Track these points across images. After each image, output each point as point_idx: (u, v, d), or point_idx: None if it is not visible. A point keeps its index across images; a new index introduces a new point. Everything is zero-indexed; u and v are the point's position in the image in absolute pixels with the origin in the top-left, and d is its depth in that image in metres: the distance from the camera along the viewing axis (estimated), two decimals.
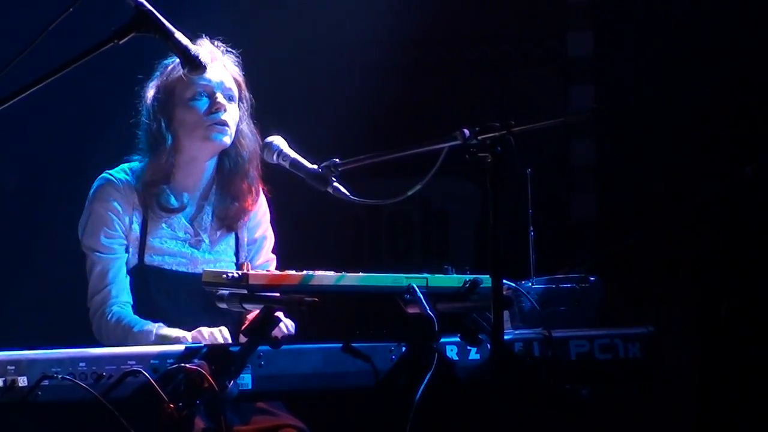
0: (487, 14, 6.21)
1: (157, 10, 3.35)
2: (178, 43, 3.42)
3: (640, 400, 5.08)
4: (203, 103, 4.10)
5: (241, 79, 4.19)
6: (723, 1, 5.84)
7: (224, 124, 4.09)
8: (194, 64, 3.46)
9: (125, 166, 4.16)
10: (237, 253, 4.22)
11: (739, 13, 5.80)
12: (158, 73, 4.15)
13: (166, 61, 4.13)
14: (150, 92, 4.15)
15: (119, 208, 4.08)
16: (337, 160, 3.87)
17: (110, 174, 4.14)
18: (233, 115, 4.13)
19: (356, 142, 4.81)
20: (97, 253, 4.07)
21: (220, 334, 3.87)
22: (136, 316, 4.02)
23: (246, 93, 4.21)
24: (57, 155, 5.64)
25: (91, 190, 4.13)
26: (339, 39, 6.03)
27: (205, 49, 4.07)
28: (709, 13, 5.83)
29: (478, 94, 6.15)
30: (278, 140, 4.02)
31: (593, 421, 3.88)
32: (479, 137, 3.56)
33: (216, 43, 4.18)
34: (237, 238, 4.22)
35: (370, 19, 5.98)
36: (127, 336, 3.95)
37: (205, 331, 3.87)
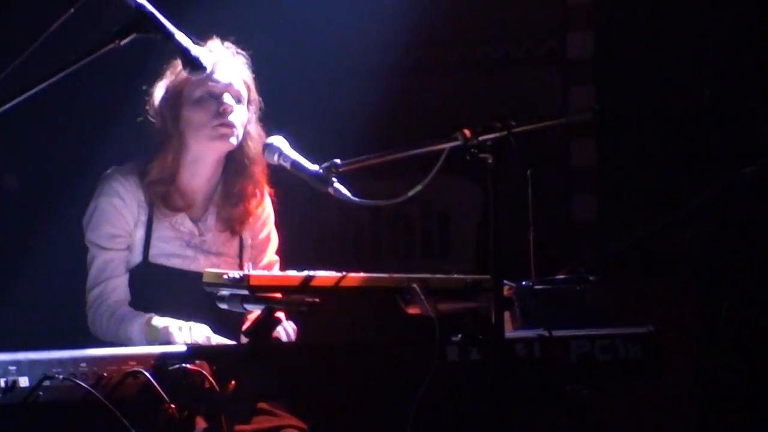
0: (487, 15, 6.21)
1: (162, 12, 3.35)
2: (179, 44, 3.43)
3: (641, 401, 5.09)
4: (211, 104, 4.10)
5: (250, 81, 4.19)
6: (723, 1, 5.84)
7: (231, 125, 4.10)
8: (194, 66, 3.47)
9: (133, 163, 4.17)
10: (240, 255, 4.23)
11: (739, 13, 5.80)
12: (167, 72, 4.15)
13: (175, 60, 4.13)
14: (158, 91, 4.15)
15: (124, 205, 4.10)
16: (338, 161, 3.87)
17: (118, 169, 4.16)
18: (240, 116, 4.13)
19: (357, 143, 4.82)
20: (99, 248, 4.09)
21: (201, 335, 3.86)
22: (129, 308, 4.03)
23: (255, 95, 4.21)
24: (62, 155, 5.64)
25: (99, 184, 4.14)
26: (340, 40, 6.03)
27: (214, 49, 4.07)
28: (710, 13, 5.83)
29: (478, 94, 6.16)
30: (279, 141, 4.02)
31: (593, 422, 3.89)
32: (480, 138, 3.56)
33: (226, 44, 4.19)
34: (241, 240, 4.23)
35: (371, 20, 5.98)
36: (119, 328, 3.97)
37: (186, 330, 3.86)
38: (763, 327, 5.34)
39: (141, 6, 3.34)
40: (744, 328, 5.29)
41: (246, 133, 4.17)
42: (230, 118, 4.09)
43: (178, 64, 4.08)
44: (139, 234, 4.11)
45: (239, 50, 4.21)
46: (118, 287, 4.08)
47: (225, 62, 4.12)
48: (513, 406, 3.71)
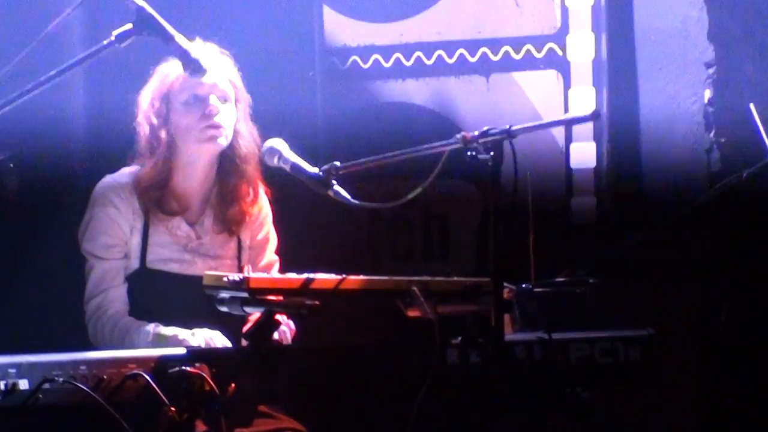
0: (487, 16, 6.20)
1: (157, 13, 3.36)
2: (179, 46, 3.43)
3: (641, 404, 5.08)
4: (197, 107, 4.09)
5: (236, 79, 4.19)
6: (723, 1, 5.84)
7: (218, 126, 4.09)
8: (195, 67, 3.47)
9: (126, 170, 4.17)
10: (239, 256, 4.23)
11: (739, 13, 5.80)
12: (153, 77, 4.16)
13: (160, 65, 4.13)
14: (146, 96, 4.15)
15: (119, 213, 4.10)
16: (338, 163, 3.87)
17: (111, 178, 4.16)
18: (228, 116, 4.13)
19: (357, 145, 4.82)
20: (96, 258, 4.09)
21: (218, 339, 3.87)
22: (131, 318, 4.03)
23: (243, 93, 4.20)
24: (59, 158, 5.63)
25: (93, 195, 4.14)
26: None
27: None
28: (710, 14, 5.83)
29: (478, 96, 6.14)
30: (278, 143, 4.02)
31: (593, 425, 3.89)
32: (479, 140, 3.56)
33: (210, 44, 4.18)
34: (239, 241, 4.23)
35: None
36: (123, 338, 3.96)
37: (199, 336, 3.86)
38: (763, 329, 5.33)
39: (141, 7, 3.34)
40: (744, 331, 5.29)
41: (236, 132, 4.17)
42: (217, 119, 4.09)
43: (164, 68, 4.11)
44: (136, 240, 4.11)
45: (223, 51, 4.20)
46: (117, 297, 4.08)
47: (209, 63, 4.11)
48: (513, 408, 3.71)
